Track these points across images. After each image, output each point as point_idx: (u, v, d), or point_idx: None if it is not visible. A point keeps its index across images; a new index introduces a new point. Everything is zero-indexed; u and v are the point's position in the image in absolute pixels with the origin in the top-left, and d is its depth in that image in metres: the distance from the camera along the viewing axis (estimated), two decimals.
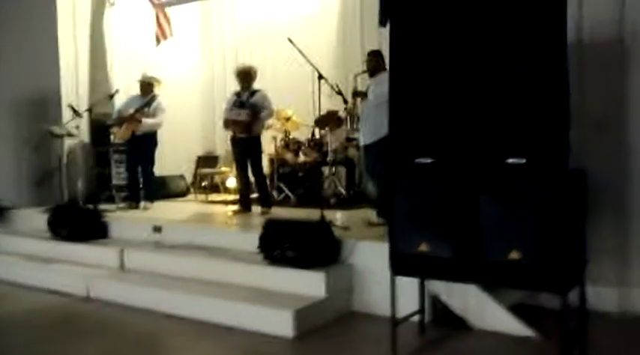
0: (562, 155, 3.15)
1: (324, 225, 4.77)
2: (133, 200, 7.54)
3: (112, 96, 7.50)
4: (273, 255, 4.70)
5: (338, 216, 5.78)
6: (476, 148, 3.33)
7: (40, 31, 8.24)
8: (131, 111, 7.26)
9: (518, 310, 4.13)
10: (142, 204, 7.48)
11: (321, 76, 5.38)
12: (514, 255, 3.19)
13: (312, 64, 5.35)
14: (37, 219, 7.18)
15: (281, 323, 4.10)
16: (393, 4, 3.62)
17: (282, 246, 4.64)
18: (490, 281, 3.52)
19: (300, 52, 5.34)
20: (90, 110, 7.73)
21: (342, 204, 7.24)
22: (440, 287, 4.27)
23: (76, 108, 7.38)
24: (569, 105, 3.25)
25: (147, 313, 4.74)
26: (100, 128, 7.95)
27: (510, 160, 3.21)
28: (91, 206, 7.00)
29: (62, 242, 6.27)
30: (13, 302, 5.22)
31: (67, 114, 7.68)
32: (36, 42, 8.34)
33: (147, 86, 7.44)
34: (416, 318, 4.09)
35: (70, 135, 7.42)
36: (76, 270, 5.64)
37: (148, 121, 7.25)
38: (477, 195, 3.29)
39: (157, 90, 7.55)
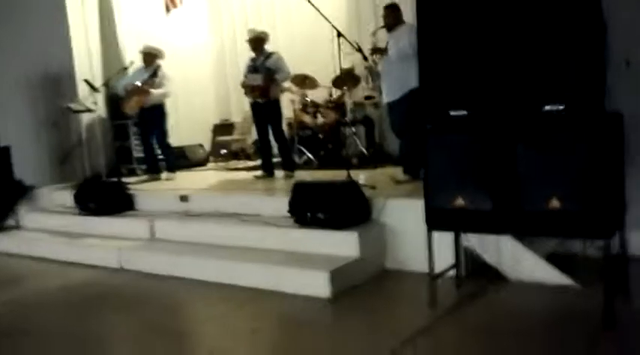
0: (599, 98, 3.08)
1: (353, 185, 4.74)
2: (153, 172, 7.55)
3: (126, 69, 7.42)
4: (304, 217, 4.69)
5: (362, 176, 5.74)
6: (510, 98, 3.25)
7: (48, 7, 8.15)
8: (138, 83, 7.19)
9: (551, 260, 4.10)
10: (165, 174, 7.49)
11: (340, 34, 5.26)
12: (554, 203, 3.15)
13: (330, 23, 5.22)
14: (61, 195, 7.26)
15: (317, 285, 4.10)
16: None
17: (313, 208, 4.63)
18: (530, 232, 3.48)
19: (318, 10, 5.21)
20: (106, 84, 7.68)
21: (364, 163, 7.22)
22: (473, 241, 4.25)
23: (92, 83, 7.34)
24: (605, 45, 3.16)
25: (182, 282, 4.78)
26: (116, 102, 7.90)
27: (547, 107, 3.13)
28: (115, 179, 7.03)
29: (91, 216, 6.32)
30: (47, 279, 5.25)
31: (82, 89, 7.66)
32: (44, 19, 8.25)
33: (150, 57, 7.33)
34: (451, 273, 4.08)
35: (88, 110, 7.39)
36: (107, 243, 5.67)
37: (155, 92, 7.18)
38: (514, 145, 3.23)
39: (160, 61, 7.43)
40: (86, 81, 7.36)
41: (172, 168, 7.60)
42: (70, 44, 8.00)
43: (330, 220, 4.55)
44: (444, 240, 3.97)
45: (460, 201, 3.43)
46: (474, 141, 3.35)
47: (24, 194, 7.73)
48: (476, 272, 4.26)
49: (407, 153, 5.46)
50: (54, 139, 8.53)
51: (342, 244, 4.42)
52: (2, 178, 7.25)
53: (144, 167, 7.94)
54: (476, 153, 3.35)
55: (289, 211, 4.81)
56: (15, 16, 8.73)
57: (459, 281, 4.12)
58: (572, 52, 3.07)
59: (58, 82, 8.27)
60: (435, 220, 3.60)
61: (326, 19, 5.27)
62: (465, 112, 3.36)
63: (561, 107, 3.09)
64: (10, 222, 7.28)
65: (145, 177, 7.61)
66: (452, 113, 3.38)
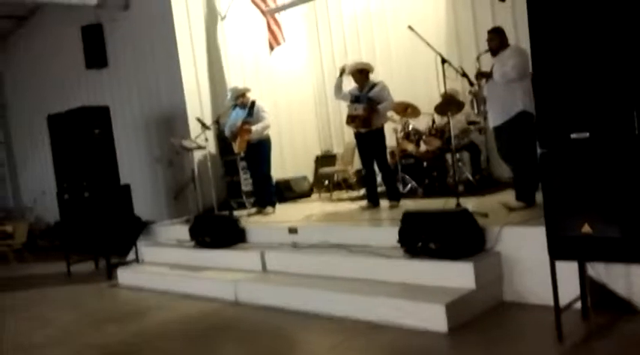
0: None
1: (466, 213, 4.61)
2: (260, 205, 7.74)
3: (235, 106, 7.72)
4: (415, 248, 4.62)
5: (471, 204, 5.59)
6: (638, 118, 3.06)
7: (160, 50, 8.72)
8: (238, 124, 7.44)
9: None
10: (266, 208, 7.62)
11: (444, 60, 5.20)
12: None
13: (435, 50, 5.18)
14: (176, 230, 7.62)
15: (433, 318, 4.00)
16: None
17: (424, 238, 4.55)
18: None
19: (422, 38, 5.19)
20: (216, 121, 8.04)
21: (471, 190, 7.03)
22: (599, 270, 3.99)
23: (203, 121, 7.70)
24: None
25: (294, 313, 4.83)
26: (225, 138, 8.23)
27: None
28: (227, 213, 7.28)
29: (206, 249, 6.58)
30: (168, 311, 5.50)
31: (193, 127, 8.05)
32: (157, 61, 8.84)
33: (242, 97, 7.55)
34: (577, 305, 3.84)
35: (200, 147, 7.74)
36: (222, 276, 5.86)
37: (256, 128, 7.39)
38: None
39: (250, 94, 7.62)
40: (198, 119, 7.72)
41: (272, 202, 7.74)
42: (182, 84, 8.43)
43: (442, 250, 4.45)
44: (567, 270, 3.75)
45: (586, 229, 3.24)
46: (599, 164, 3.17)
47: (142, 229, 8.21)
48: (603, 303, 3.98)
49: (519, 178, 5.26)
50: (168, 176, 9.02)
51: (457, 275, 4.30)
52: (124, 215, 7.73)
53: (252, 200, 8.17)
54: (601, 177, 3.17)
55: (399, 241, 4.76)
56: (128, 61, 9.41)
57: (586, 313, 3.87)
58: None
59: (171, 121, 8.76)
60: (559, 249, 3.42)
61: (430, 46, 5.24)
62: (587, 134, 3.19)
63: None
64: (131, 256, 7.75)
65: (252, 210, 7.82)
66: (573, 136, 3.21)
